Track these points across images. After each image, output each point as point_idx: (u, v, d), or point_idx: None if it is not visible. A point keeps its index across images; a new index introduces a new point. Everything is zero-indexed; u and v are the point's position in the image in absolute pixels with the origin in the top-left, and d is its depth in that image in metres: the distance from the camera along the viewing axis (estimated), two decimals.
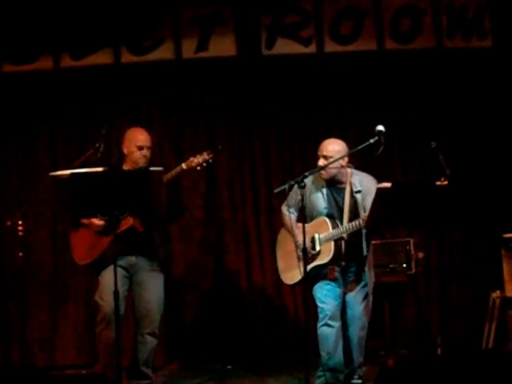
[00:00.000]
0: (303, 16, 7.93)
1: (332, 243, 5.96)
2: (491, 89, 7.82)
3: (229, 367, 7.49)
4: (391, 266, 7.17)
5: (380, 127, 5.63)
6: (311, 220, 6.07)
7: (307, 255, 5.70)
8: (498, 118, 7.79)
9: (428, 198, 5.29)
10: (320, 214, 6.08)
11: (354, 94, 7.96)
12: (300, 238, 5.80)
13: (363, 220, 5.80)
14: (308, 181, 5.86)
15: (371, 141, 5.62)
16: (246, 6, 7.91)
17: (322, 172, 6.03)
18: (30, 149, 7.94)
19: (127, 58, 7.83)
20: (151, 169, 5.36)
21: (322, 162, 6.01)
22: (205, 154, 5.93)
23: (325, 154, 6.02)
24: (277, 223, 6.83)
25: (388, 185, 5.44)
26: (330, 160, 5.94)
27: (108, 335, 5.85)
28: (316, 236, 6.01)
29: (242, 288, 7.91)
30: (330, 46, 7.94)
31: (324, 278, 6.06)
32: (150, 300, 6.06)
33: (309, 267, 5.85)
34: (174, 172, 5.90)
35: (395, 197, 5.33)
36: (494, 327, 6.94)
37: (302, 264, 5.70)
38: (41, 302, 7.81)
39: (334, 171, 6.04)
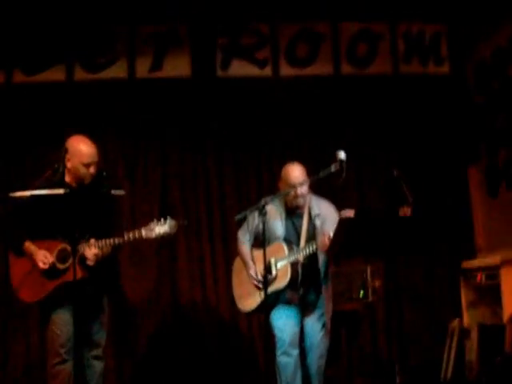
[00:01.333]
0: (259, 38, 7.87)
1: (288, 267, 5.88)
2: (448, 115, 7.84)
3: None
4: (348, 293, 7.12)
5: (341, 155, 5.40)
6: (268, 245, 5.93)
7: (267, 283, 5.61)
8: (455, 144, 7.82)
9: (391, 227, 5.24)
10: (277, 239, 6.01)
11: (310, 119, 7.88)
12: (257, 267, 5.88)
13: (320, 243, 5.71)
14: (267, 207, 5.71)
15: (332, 169, 5.42)
16: (202, 26, 7.81)
17: (300, 199, 5.93)
18: None
19: (80, 75, 7.64)
20: (113, 192, 5.22)
21: (301, 191, 5.89)
22: (166, 225, 5.69)
23: (301, 181, 5.89)
24: (232, 249, 6.71)
25: (351, 213, 5.38)
26: (305, 184, 5.88)
27: (64, 369, 5.62)
28: (272, 260, 5.92)
29: (196, 315, 7.72)
30: (286, 69, 7.90)
31: (282, 303, 5.96)
32: (98, 325, 5.86)
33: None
34: (132, 237, 5.65)
35: (358, 226, 5.27)
36: (452, 356, 6.96)
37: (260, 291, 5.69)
38: None
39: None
